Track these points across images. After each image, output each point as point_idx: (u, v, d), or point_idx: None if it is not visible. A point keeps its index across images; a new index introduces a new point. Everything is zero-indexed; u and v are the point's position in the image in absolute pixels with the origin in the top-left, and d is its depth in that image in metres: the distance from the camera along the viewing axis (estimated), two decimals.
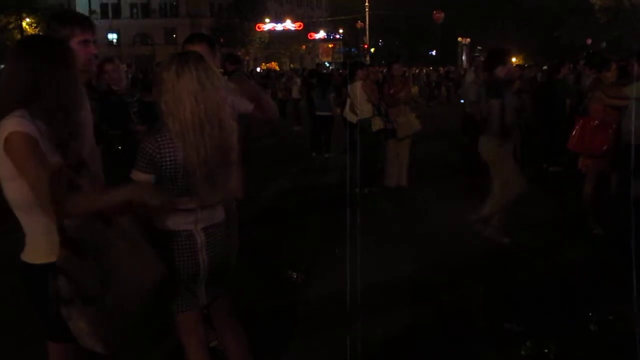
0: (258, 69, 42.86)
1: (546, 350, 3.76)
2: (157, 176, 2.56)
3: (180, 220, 2.65)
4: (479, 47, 46.82)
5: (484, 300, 4.62)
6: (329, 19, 59.14)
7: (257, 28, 54.78)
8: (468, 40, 45.17)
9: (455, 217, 6.84)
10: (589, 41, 43.67)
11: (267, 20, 55.65)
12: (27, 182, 2.23)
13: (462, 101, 11.57)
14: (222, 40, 55.83)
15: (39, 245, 2.35)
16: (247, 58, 46.94)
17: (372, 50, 48.65)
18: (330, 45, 51.75)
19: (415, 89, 11.54)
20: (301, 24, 55.30)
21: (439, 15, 45.31)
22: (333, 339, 3.85)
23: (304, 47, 60.97)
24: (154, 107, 2.72)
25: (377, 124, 8.42)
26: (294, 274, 5.09)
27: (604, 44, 39.05)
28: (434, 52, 55.92)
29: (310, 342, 3.99)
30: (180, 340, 2.83)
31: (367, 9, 44.48)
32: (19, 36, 40.63)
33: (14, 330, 3.92)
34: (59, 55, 2.41)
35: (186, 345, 2.82)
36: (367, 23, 45.53)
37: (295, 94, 18.48)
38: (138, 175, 2.56)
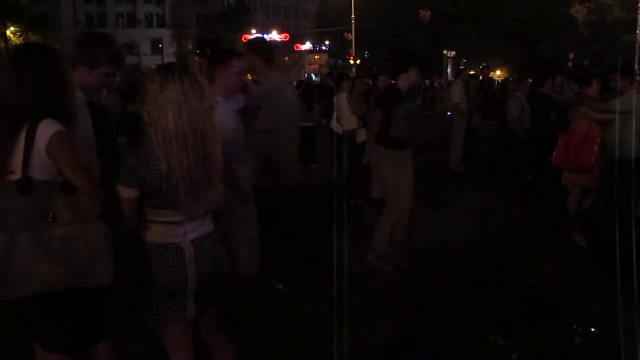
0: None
1: None
2: (142, 189, 2.54)
3: (168, 233, 2.63)
4: (464, 60, 47.20)
5: (470, 312, 4.62)
6: (316, 30, 59.30)
7: (243, 39, 54.74)
8: (453, 52, 45.51)
9: (440, 228, 6.87)
10: (572, 55, 44.19)
11: (253, 31, 55.63)
12: (74, 174, 2.40)
13: (449, 113, 11.64)
14: (207, 51, 55.72)
15: None
16: None
17: (358, 61, 48.75)
18: (316, 57, 51.90)
19: None
20: (287, 35, 55.37)
21: (425, 14, 45.37)
22: (319, 351, 3.83)
23: (286, 57, 61.04)
24: (136, 118, 2.71)
25: (362, 136, 8.45)
26: (280, 285, 5.06)
27: (586, 62, 39.55)
28: None
29: (296, 353, 3.98)
30: (167, 354, 2.80)
31: (353, 21, 44.64)
32: (3, 44, 40.38)
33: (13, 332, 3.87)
34: (61, 67, 2.49)
35: (170, 356, 2.80)
36: (354, 35, 45.68)
37: None
38: (124, 190, 2.52)
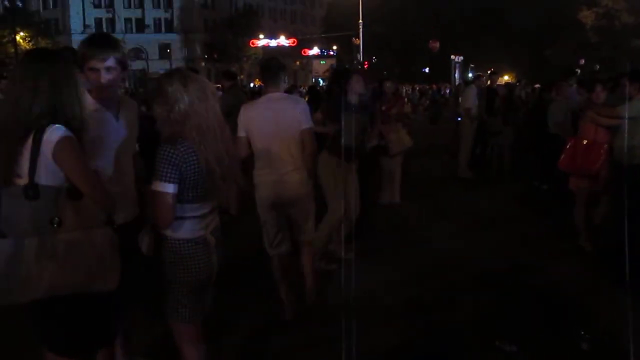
0: (252, 85, 42.95)
1: None
2: (180, 185, 2.62)
3: (196, 227, 2.73)
4: (471, 65, 47.09)
5: (475, 318, 4.60)
6: (323, 35, 59.35)
7: (250, 44, 54.94)
8: (461, 57, 45.43)
9: (447, 233, 6.86)
10: (582, 61, 43.92)
11: (261, 36, 55.81)
12: (80, 180, 2.39)
13: (458, 119, 11.61)
14: (215, 56, 55.97)
15: None
16: (242, 77, 47.06)
17: (366, 66, 48.69)
18: (322, 62, 52.00)
19: (408, 106, 11.62)
20: (295, 40, 55.45)
21: (434, 45, 45.91)
22: (321, 352, 3.84)
23: (297, 62, 61.18)
24: (151, 120, 2.76)
25: (373, 140, 8.42)
26: None
27: (597, 67, 39.33)
28: (427, 70, 56.23)
29: (297, 353, 3.99)
30: (180, 349, 2.83)
31: (360, 26, 44.66)
32: (13, 50, 40.66)
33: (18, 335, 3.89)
34: (73, 71, 2.52)
35: (187, 354, 2.83)
36: (361, 40, 45.67)
37: None
38: (164, 186, 2.58)
